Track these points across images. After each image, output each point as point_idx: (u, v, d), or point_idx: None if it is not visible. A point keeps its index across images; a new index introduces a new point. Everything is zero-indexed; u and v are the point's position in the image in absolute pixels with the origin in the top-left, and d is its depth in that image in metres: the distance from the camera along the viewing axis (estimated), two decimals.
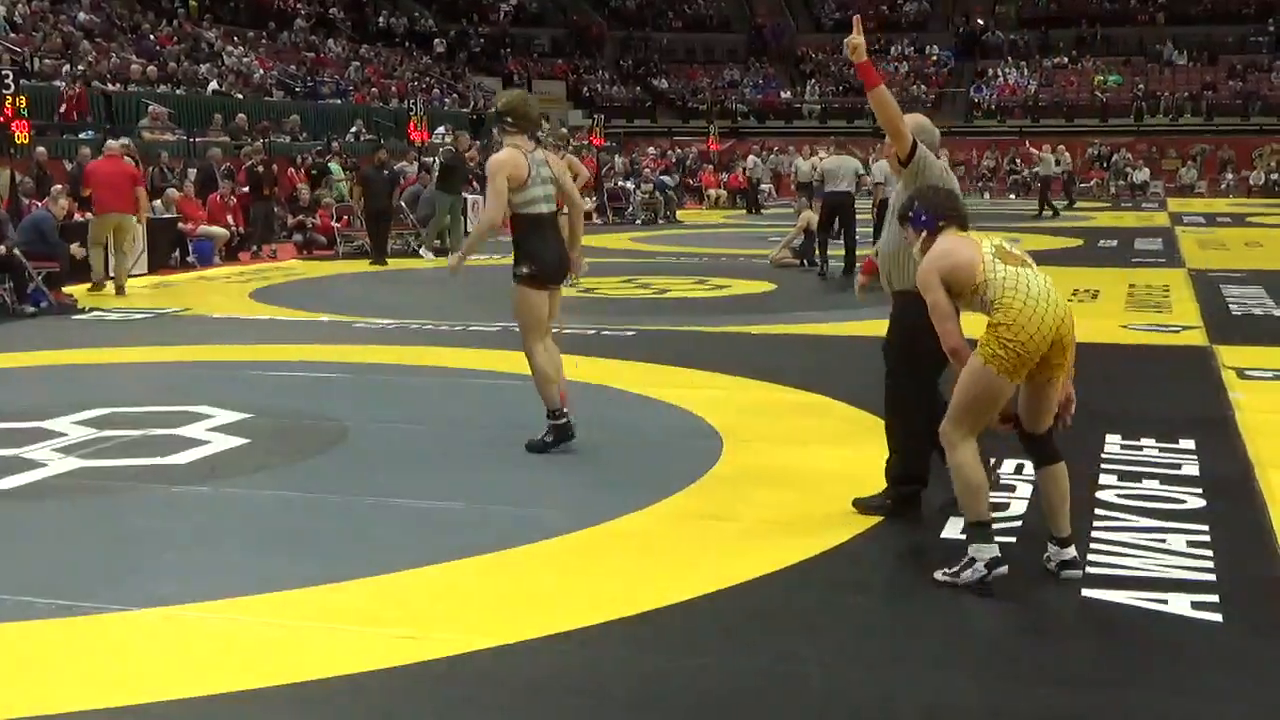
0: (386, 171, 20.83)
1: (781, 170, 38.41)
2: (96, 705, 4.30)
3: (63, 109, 23.94)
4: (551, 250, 7.75)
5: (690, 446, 7.90)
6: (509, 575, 5.63)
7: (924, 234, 5.57)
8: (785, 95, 50.94)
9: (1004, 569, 5.32)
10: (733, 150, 43.68)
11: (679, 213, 32.16)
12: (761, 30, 54.88)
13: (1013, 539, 5.94)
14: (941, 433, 5.44)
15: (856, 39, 6.03)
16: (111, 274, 16.26)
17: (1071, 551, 5.51)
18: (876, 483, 6.71)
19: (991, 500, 5.56)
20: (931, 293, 5.38)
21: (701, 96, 51.23)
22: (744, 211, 34.80)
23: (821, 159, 20.47)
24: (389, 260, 20.12)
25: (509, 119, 7.76)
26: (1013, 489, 6.75)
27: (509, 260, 7.82)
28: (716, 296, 16.21)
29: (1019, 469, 7.08)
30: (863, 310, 14.28)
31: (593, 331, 12.38)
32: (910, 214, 5.66)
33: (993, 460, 6.49)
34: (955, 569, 5.38)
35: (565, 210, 8.08)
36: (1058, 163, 33.87)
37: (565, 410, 7.79)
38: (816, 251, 18.57)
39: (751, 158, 37.65)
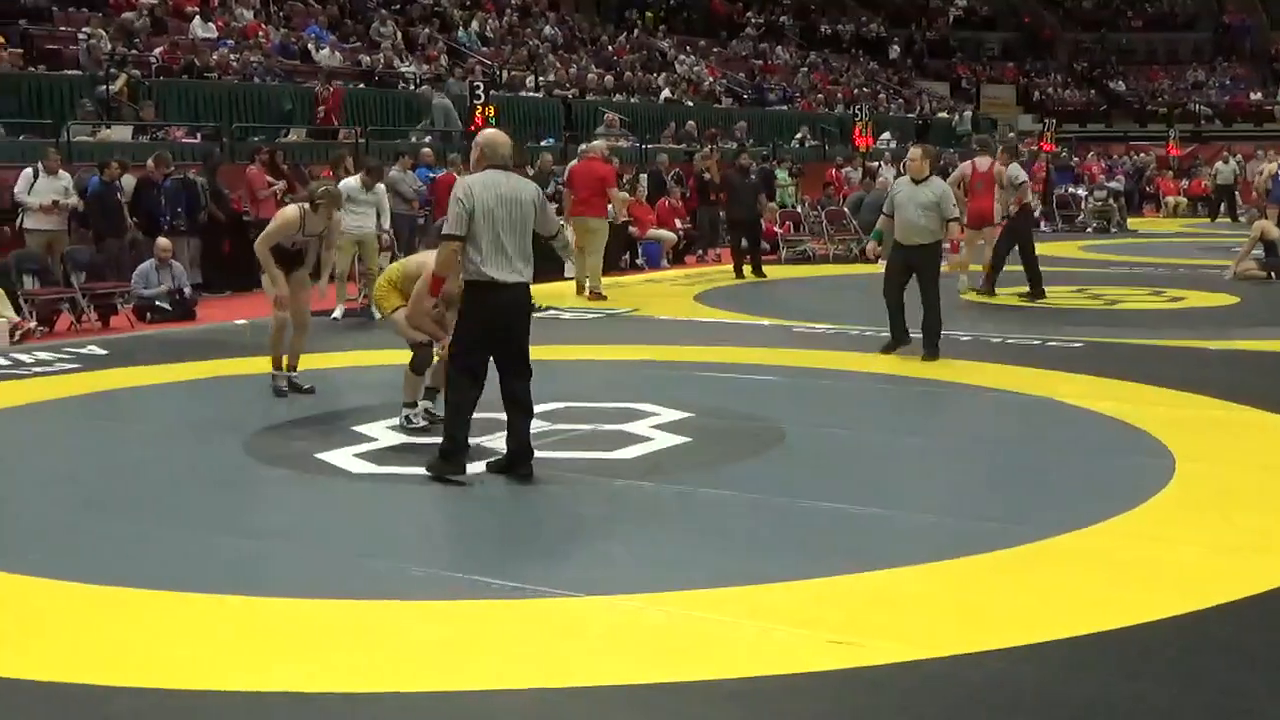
0: (751, 176, 19.69)
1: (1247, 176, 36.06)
2: (537, 684, 4.51)
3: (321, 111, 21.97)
4: None
5: (1139, 464, 7.56)
6: (945, 586, 5.54)
7: None
8: (1255, 96, 47.88)
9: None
10: (1194, 155, 41.37)
11: (1131, 221, 30.81)
12: (1230, 28, 51.79)
13: None
14: None
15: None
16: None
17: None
18: None
19: None
20: None
21: (1161, 99, 48.86)
22: (1207, 219, 32.98)
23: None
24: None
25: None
26: None
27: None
28: (1172, 309, 15.42)
29: None
30: None
31: (1038, 342, 12.06)
32: None
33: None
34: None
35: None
36: None
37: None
38: None
39: (1219, 163, 35.34)
